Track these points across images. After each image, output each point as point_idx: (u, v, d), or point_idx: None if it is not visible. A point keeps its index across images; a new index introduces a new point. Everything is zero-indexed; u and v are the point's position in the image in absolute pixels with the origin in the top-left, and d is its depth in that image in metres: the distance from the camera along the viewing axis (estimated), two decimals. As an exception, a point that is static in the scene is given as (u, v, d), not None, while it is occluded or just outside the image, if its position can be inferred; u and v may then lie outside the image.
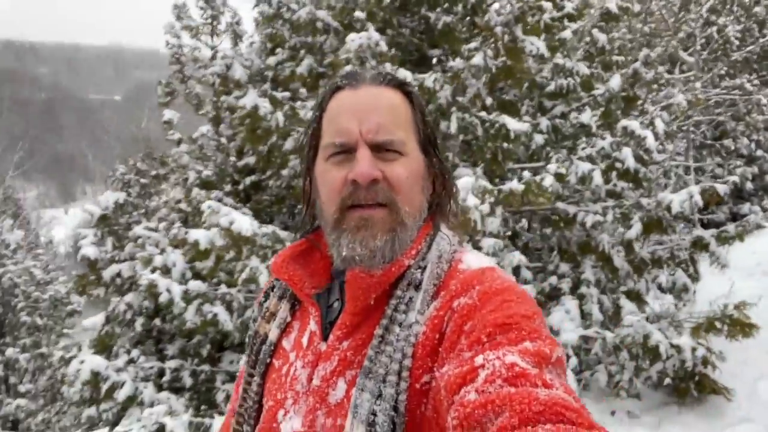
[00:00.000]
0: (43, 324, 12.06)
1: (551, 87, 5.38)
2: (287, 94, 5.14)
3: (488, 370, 0.64)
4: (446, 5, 5.11)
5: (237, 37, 6.56)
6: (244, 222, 4.13)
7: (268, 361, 0.94)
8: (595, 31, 5.55)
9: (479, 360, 0.66)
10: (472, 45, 4.20)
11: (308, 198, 0.95)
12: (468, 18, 5.12)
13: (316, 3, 5.18)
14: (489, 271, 0.83)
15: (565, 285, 5.28)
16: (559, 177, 3.98)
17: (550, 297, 5.32)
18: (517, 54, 4.12)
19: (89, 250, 5.79)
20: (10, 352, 11.33)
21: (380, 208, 0.84)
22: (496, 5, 4.61)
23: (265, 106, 4.72)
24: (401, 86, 0.91)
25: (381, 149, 0.84)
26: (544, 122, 5.44)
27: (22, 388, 11.42)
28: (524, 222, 5.76)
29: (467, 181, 3.59)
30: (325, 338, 0.87)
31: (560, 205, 5.18)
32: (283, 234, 4.16)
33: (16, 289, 11.79)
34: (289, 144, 5.19)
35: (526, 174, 4.02)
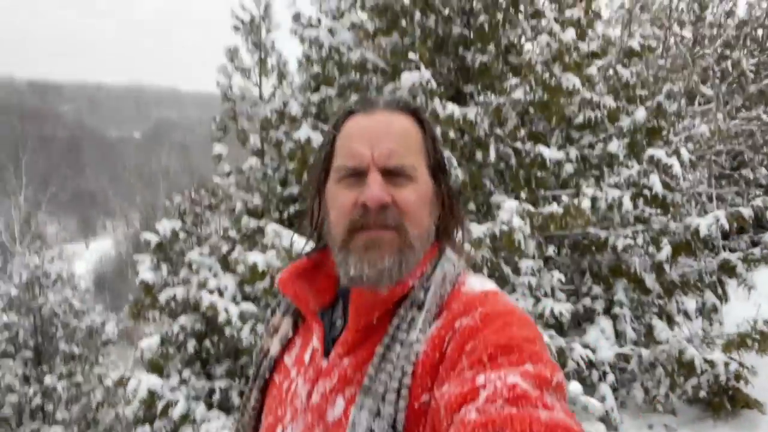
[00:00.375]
0: (79, 353, 12.43)
1: (579, 119, 5.76)
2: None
3: (489, 390, 0.65)
4: (480, 46, 5.55)
5: (282, 77, 7.07)
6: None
7: (267, 376, 0.96)
8: (619, 66, 5.95)
9: (480, 380, 0.67)
10: (513, 81, 4.62)
11: (316, 218, 0.97)
12: (500, 57, 5.55)
13: (355, 41, 5.65)
14: (492, 294, 0.85)
15: (599, 306, 5.55)
16: (593, 201, 4.31)
17: (584, 318, 5.58)
18: (555, 90, 4.53)
19: (147, 275, 6.17)
20: (48, 380, 11.66)
21: (389, 230, 0.85)
22: (529, 45, 5.04)
23: (317, 138, 5.14)
24: (414, 112, 0.93)
25: (392, 174, 0.86)
26: (573, 152, 5.80)
27: (58, 416, 11.71)
28: (553, 247, 6.06)
29: (512, 204, 3.94)
30: (326, 355, 0.88)
31: (591, 230, 5.49)
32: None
33: (54, 318, 12.20)
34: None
35: (565, 198, 4.35)
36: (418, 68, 4.18)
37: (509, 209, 3.88)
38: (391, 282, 0.84)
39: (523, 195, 4.28)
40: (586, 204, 4.09)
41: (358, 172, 0.86)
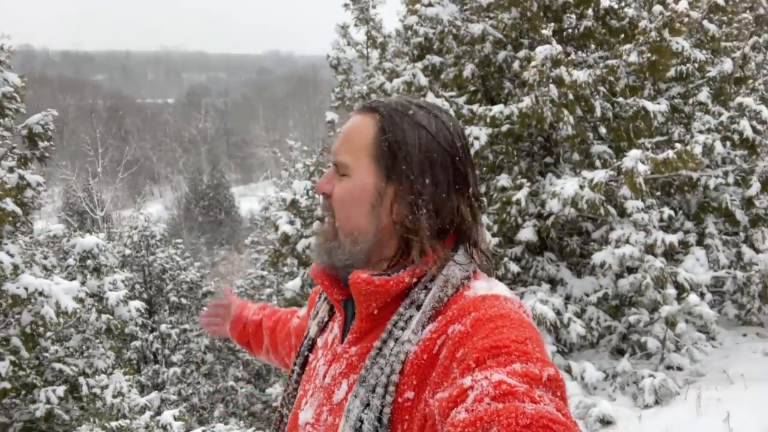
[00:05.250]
0: (185, 303, 13.89)
1: (671, 72, 6.41)
2: (453, 93, 6.36)
3: (477, 390, 0.66)
4: (579, 11, 6.21)
5: (383, 48, 7.83)
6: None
7: (306, 354, 1.05)
8: (705, 22, 6.51)
9: (468, 382, 0.68)
10: (627, 46, 5.30)
11: None
12: (600, 20, 6.20)
13: (460, 14, 6.35)
14: (491, 298, 0.84)
15: (691, 239, 6.35)
16: (706, 148, 5.05)
17: (678, 250, 6.40)
18: (664, 52, 5.20)
19: (286, 228, 7.20)
20: (163, 327, 13.15)
21: (322, 220, 0.98)
22: (629, 10, 5.67)
23: (444, 104, 5.96)
24: (379, 113, 0.93)
25: (338, 169, 0.94)
26: (663, 103, 6.48)
27: (173, 359, 13.24)
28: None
29: (636, 152, 4.73)
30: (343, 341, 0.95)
31: (683, 172, 6.23)
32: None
33: (164, 273, 13.60)
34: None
35: (678, 146, 5.10)
36: (547, 42, 4.92)
37: (634, 156, 4.66)
38: (326, 263, 0.94)
39: (649, 144, 5.01)
40: (697, 150, 4.84)
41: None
